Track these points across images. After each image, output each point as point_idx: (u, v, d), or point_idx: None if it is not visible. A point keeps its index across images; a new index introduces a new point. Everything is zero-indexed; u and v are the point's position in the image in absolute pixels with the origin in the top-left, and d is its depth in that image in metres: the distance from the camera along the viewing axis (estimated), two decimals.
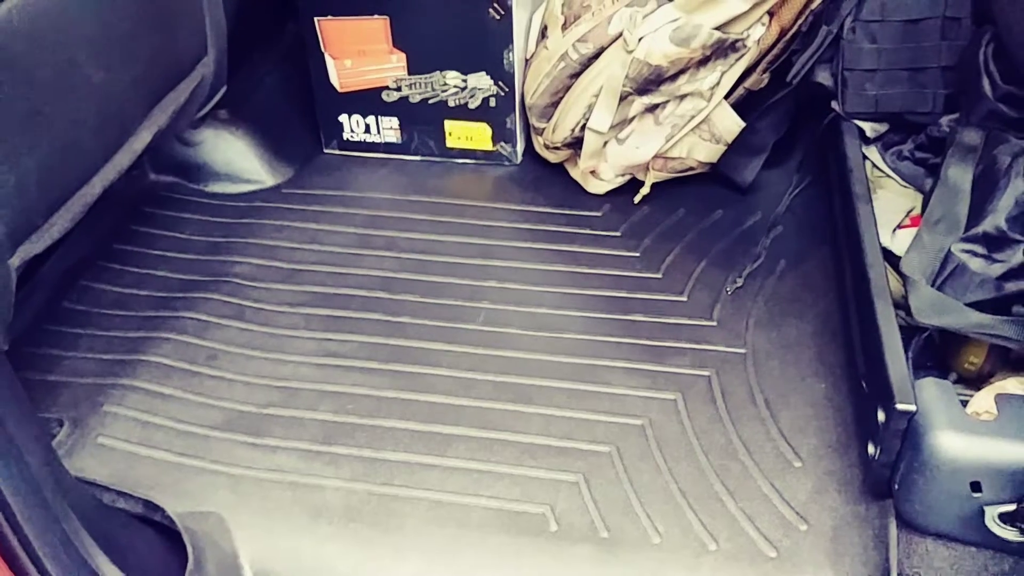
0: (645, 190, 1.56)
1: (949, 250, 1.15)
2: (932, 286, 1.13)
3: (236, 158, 1.64)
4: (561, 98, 1.53)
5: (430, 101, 1.65)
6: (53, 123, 1.06)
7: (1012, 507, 0.96)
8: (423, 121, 1.67)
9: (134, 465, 1.16)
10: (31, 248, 1.07)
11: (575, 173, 1.62)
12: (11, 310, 1.05)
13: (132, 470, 1.15)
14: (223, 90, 1.52)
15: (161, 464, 1.16)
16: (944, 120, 1.41)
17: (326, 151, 1.74)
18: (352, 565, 1.06)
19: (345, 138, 1.72)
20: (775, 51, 1.52)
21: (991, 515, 0.97)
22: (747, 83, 1.53)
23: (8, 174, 0.99)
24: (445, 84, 1.63)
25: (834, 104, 1.50)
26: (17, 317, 1.10)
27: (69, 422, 1.21)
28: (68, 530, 0.94)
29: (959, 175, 1.22)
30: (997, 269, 1.13)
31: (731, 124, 1.51)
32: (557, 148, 1.60)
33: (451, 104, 1.64)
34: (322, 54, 1.63)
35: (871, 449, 1.07)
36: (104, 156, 1.19)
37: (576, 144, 1.56)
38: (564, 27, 1.49)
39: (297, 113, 1.75)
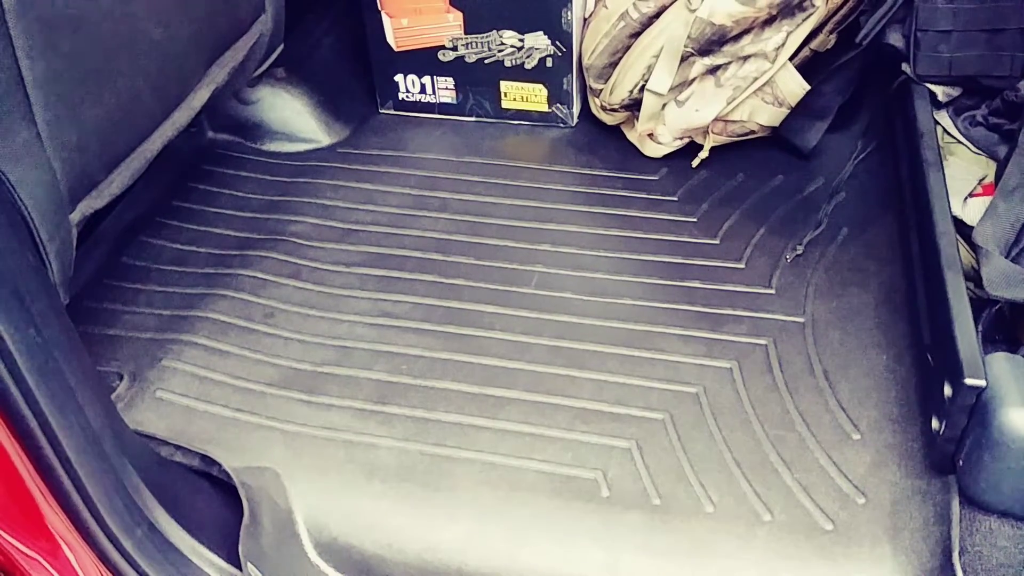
0: (704, 154, 1.52)
1: None
2: (1006, 257, 1.09)
3: (292, 117, 1.64)
4: (620, 59, 1.49)
5: (486, 61, 1.63)
6: (113, 79, 1.07)
7: None
8: (479, 81, 1.65)
9: (191, 420, 1.17)
10: (92, 204, 1.08)
11: (632, 136, 1.59)
12: (72, 265, 1.06)
13: (189, 424, 1.17)
14: (280, 48, 1.52)
15: (218, 419, 1.17)
16: (1022, 84, 1.35)
17: (381, 111, 1.73)
18: (404, 523, 1.06)
19: (400, 98, 1.71)
20: (844, 11, 1.47)
21: None
22: (813, 44, 1.49)
23: (69, 130, 1.00)
24: (502, 44, 1.60)
25: (905, 67, 1.45)
26: (78, 272, 1.12)
27: (128, 376, 1.23)
28: (126, 482, 0.96)
29: None
30: None
31: (795, 87, 1.46)
32: (614, 110, 1.57)
33: (507, 64, 1.62)
34: (379, 12, 1.62)
35: (935, 424, 1.04)
36: (163, 113, 1.20)
37: (634, 106, 1.53)
38: None
39: (353, 72, 1.75)
